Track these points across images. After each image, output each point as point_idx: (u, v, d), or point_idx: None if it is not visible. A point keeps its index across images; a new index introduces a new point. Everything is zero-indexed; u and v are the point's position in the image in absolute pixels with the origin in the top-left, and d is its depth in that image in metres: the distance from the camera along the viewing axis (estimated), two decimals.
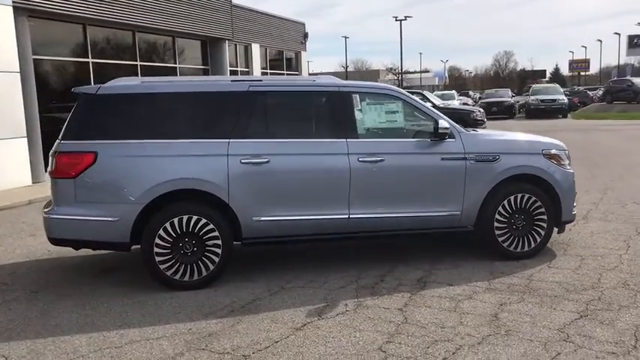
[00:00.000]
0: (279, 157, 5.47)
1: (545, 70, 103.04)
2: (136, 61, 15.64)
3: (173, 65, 17.16)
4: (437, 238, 6.63)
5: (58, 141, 5.35)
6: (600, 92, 43.20)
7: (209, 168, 5.33)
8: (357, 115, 5.86)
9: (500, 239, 5.98)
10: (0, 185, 11.35)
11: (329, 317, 4.64)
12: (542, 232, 6.06)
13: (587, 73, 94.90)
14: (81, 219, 5.22)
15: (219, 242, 5.36)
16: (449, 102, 26.51)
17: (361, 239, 6.07)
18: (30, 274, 6.07)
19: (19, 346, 4.27)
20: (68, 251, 6.74)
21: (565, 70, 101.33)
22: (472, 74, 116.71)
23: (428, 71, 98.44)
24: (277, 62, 24.59)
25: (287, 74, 23.47)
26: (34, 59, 12.31)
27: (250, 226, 5.47)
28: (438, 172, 5.82)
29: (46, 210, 5.37)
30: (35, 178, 12.27)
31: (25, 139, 12.03)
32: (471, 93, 58.41)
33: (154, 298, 5.18)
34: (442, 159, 5.81)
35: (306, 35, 25.96)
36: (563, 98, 33.82)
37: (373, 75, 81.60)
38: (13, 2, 11.52)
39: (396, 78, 67.80)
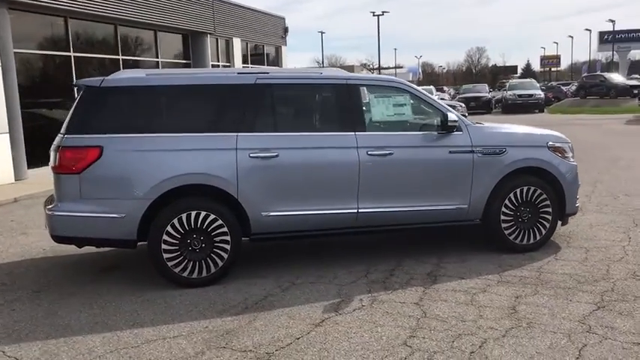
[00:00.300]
0: (288, 151, 5.38)
1: (516, 66, 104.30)
2: (118, 55, 15.33)
3: (155, 59, 16.88)
4: (440, 231, 6.60)
5: (60, 135, 5.18)
6: (573, 87, 43.88)
7: (218, 162, 5.22)
8: (365, 108, 5.79)
9: (506, 232, 5.98)
10: None
11: (346, 313, 4.57)
12: (548, 225, 6.08)
13: (557, 68, 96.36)
14: (86, 216, 5.06)
15: (228, 238, 5.26)
16: None
17: (369, 234, 6.01)
18: (28, 274, 5.88)
19: (31, 348, 4.12)
20: (64, 249, 6.59)
21: (536, 66, 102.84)
22: (445, 70, 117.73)
23: (402, 67, 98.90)
24: (258, 57, 24.39)
25: None
26: (15, 53, 11.95)
27: (259, 222, 5.37)
28: (445, 166, 5.79)
29: (49, 207, 5.19)
30: (18, 176, 11.95)
31: (7, 135, 11.70)
32: (445, 88, 58.78)
33: (163, 296, 5.06)
34: (450, 152, 5.79)
35: (286, 30, 25.79)
36: (540, 93, 34.33)
37: (347, 71, 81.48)
38: None
39: (370, 74, 67.95)
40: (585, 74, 47.35)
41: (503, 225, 5.97)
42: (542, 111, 33.76)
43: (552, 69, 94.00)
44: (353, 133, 5.56)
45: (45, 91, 13.47)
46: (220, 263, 5.27)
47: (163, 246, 5.13)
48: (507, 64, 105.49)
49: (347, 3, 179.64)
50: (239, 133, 5.30)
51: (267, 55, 25.25)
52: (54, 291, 5.32)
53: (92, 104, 5.15)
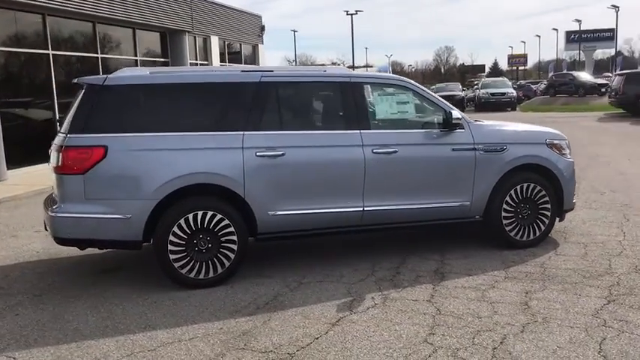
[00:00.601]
0: (294, 150, 5.34)
1: (484, 65, 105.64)
2: (97, 53, 15.03)
3: (134, 58, 16.59)
4: (440, 229, 6.62)
5: (62, 135, 5.04)
6: (542, 86, 44.67)
7: (224, 162, 5.15)
8: (369, 106, 5.79)
9: (507, 228, 6.05)
10: None
11: (360, 312, 4.56)
12: (547, 221, 6.17)
13: (524, 67, 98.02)
14: (90, 217, 4.94)
15: (235, 238, 5.20)
16: None
17: (374, 232, 6.01)
18: (25, 277, 5.72)
19: (43, 353, 4.00)
20: (58, 252, 6.46)
21: (504, 65, 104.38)
22: (414, 69, 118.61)
23: (372, 66, 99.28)
24: (235, 55, 24.21)
25: None
26: None
27: (266, 221, 5.32)
28: (449, 163, 5.82)
29: (51, 208, 5.05)
30: None
31: None
32: None
33: (170, 298, 4.97)
34: (453, 149, 5.82)
35: (262, 28, 25.65)
36: (512, 92, 34.86)
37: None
38: None
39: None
40: (555, 73, 48.21)
41: (504, 221, 6.03)
42: (515, 109, 34.27)
43: (519, 68, 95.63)
44: (358, 131, 5.55)
45: (23, 89, 13.14)
46: (227, 263, 5.21)
47: (170, 247, 5.04)
48: (475, 63, 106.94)
49: (317, 2, 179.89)
50: (245, 132, 5.24)
51: (244, 53, 25.08)
52: (56, 294, 5.18)
53: (95, 103, 5.03)
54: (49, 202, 5.35)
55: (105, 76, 5.16)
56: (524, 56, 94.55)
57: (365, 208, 5.58)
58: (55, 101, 13.47)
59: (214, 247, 5.16)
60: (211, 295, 5.02)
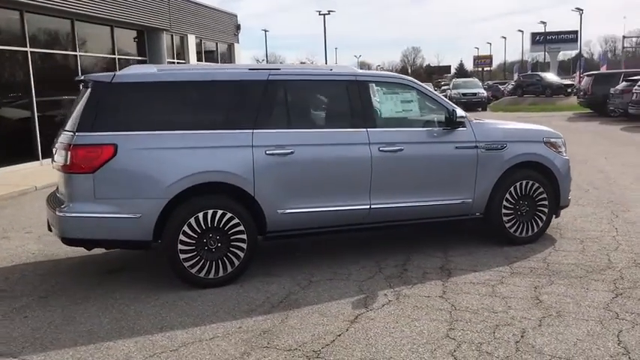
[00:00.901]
0: (303, 148, 5.35)
1: (450, 66, 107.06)
2: (76, 51, 14.73)
3: (112, 56, 16.32)
4: (440, 226, 6.69)
5: (70, 133, 4.94)
6: (510, 86, 45.49)
7: (235, 160, 5.13)
8: (375, 104, 5.83)
9: (507, 225, 6.16)
10: None
11: (376, 308, 4.59)
12: (545, 217, 6.31)
13: (490, 68, 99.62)
14: (100, 217, 4.86)
15: (245, 237, 5.18)
16: None
17: (379, 229, 6.04)
18: (27, 279, 5.59)
19: (62, 356, 3.93)
20: (55, 252, 6.38)
21: (469, 66, 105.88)
22: (382, 69, 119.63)
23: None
24: (211, 54, 24.02)
25: None
26: None
27: (275, 220, 5.32)
28: (452, 161, 5.90)
29: (59, 208, 4.94)
30: None
31: None
32: None
33: (182, 297, 4.93)
34: (456, 147, 5.90)
35: (238, 27, 25.51)
36: (483, 92, 35.47)
37: None
38: None
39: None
40: (522, 74, 49.12)
41: (505, 218, 6.14)
42: (485, 109, 34.84)
43: (485, 69, 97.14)
44: (365, 129, 5.59)
45: (0, 88, 12.81)
46: (237, 262, 5.19)
47: (180, 246, 5.00)
48: (442, 64, 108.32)
49: (286, 2, 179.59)
50: (254, 130, 5.23)
51: (221, 52, 24.90)
52: (62, 296, 5.08)
53: (104, 101, 4.95)
54: (54, 201, 5.24)
55: (112, 73, 5.08)
56: (490, 57, 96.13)
57: (372, 206, 5.61)
58: (34, 99, 13.17)
59: (224, 246, 5.13)
60: (222, 294, 4.99)
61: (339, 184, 5.50)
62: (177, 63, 20.05)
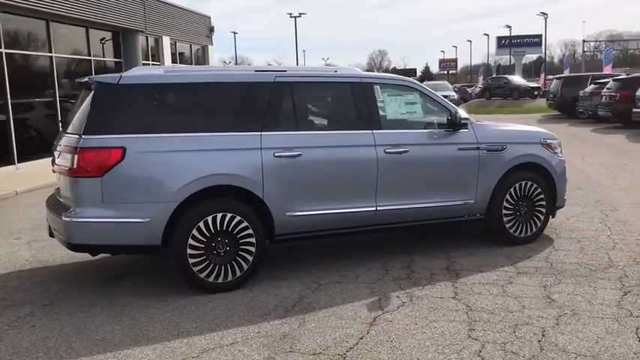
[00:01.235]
0: (311, 150, 5.31)
1: (415, 69, 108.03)
2: (51, 52, 14.37)
3: (88, 57, 15.97)
4: (440, 227, 6.71)
5: (75, 136, 4.80)
6: (477, 89, 46.24)
7: (244, 163, 5.06)
8: (380, 106, 5.83)
9: (507, 225, 6.23)
10: None
11: (392, 310, 4.58)
12: (542, 217, 6.40)
13: (455, 71, 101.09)
14: (109, 222, 4.73)
15: (254, 240, 5.11)
16: None
17: (385, 231, 6.04)
18: (25, 287, 5.41)
19: None
20: (49, 258, 6.26)
21: (435, 69, 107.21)
22: None
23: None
24: (186, 55, 23.76)
25: None
26: None
27: (283, 222, 5.27)
28: (455, 162, 5.95)
29: (65, 213, 4.79)
30: None
31: None
32: None
33: (191, 303, 4.84)
34: (459, 149, 5.95)
35: (212, 29, 25.29)
36: (454, 95, 35.85)
37: None
38: None
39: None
40: (490, 77, 49.94)
41: (505, 219, 6.21)
42: None
43: (450, 72, 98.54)
44: (370, 131, 5.58)
45: None
46: (245, 266, 5.12)
47: (189, 250, 4.91)
48: (408, 67, 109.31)
49: (253, 3, 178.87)
50: (263, 133, 5.17)
51: (195, 54, 24.64)
52: (66, 303, 4.93)
53: (110, 103, 4.82)
54: (57, 205, 5.09)
55: (119, 75, 4.96)
56: (455, 60, 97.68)
57: (377, 208, 5.61)
58: (9, 101, 12.81)
59: (232, 250, 5.06)
60: (233, 299, 4.92)
61: (346, 186, 5.48)
62: (153, 65, 19.75)
